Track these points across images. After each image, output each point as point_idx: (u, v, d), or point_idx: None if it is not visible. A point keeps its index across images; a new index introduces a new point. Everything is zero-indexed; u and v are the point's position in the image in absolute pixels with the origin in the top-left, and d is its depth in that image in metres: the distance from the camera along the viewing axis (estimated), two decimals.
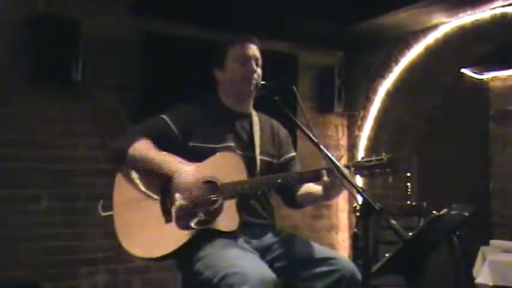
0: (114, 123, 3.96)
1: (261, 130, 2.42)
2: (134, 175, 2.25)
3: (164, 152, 2.20)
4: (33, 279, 3.65)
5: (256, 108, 2.48)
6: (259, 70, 2.36)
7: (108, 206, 2.25)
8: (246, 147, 2.33)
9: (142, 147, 2.21)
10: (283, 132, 2.53)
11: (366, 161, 2.15)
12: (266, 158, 2.36)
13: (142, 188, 2.22)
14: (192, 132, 2.28)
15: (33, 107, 3.74)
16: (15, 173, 3.67)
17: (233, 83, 2.36)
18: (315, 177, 2.19)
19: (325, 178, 2.11)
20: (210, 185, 2.17)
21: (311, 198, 2.36)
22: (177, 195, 2.10)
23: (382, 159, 2.13)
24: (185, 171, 2.11)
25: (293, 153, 2.51)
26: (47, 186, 3.77)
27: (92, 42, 3.82)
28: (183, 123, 2.29)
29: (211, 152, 2.23)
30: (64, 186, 3.84)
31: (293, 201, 2.44)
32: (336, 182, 2.11)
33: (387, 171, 2.13)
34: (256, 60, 2.36)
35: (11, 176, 3.65)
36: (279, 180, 2.19)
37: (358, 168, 2.15)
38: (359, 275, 2.06)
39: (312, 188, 2.34)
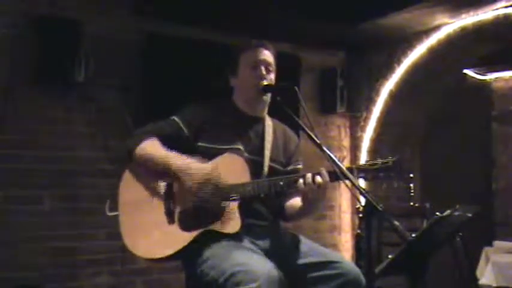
0: (116, 124, 3.96)
1: (275, 136, 2.41)
2: (139, 176, 2.26)
3: (172, 151, 2.20)
4: (36, 280, 3.65)
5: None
6: (270, 75, 2.35)
7: (114, 207, 2.26)
8: (255, 152, 2.32)
9: (150, 146, 2.22)
10: (294, 141, 2.51)
11: (370, 164, 2.12)
12: (275, 165, 2.34)
13: (147, 189, 2.23)
14: (202, 133, 2.29)
15: (35, 108, 3.75)
16: (18, 173, 3.67)
17: (244, 89, 2.37)
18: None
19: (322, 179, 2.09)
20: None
21: (296, 209, 2.33)
22: (187, 186, 2.10)
23: (387, 163, 2.10)
24: (196, 166, 2.12)
25: (300, 166, 2.48)
26: (49, 187, 3.77)
27: (94, 43, 3.82)
28: (194, 124, 2.29)
29: (218, 154, 2.23)
30: (66, 187, 3.85)
31: (281, 212, 2.41)
32: (315, 191, 2.09)
33: (392, 175, 2.10)
34: (267, 65, 2.35)
35: (14, 176, 3.65)
36: (281, 183, 2.17)
37: (362, 171, 2.13)
38: (363, 280, 2.05)
39: (297, 201, 2.32)
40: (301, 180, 2.10)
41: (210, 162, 2.20)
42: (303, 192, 2.13)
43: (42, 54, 3.62)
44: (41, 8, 3.74)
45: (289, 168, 2.42)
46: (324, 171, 2.08)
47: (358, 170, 2.12)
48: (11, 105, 3.65)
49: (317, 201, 2.17)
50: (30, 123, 3.74)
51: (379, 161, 2.12)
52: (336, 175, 2.03)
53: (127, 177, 2.29)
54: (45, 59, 3.62)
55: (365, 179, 2.16)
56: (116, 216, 2.25)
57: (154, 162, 2.19)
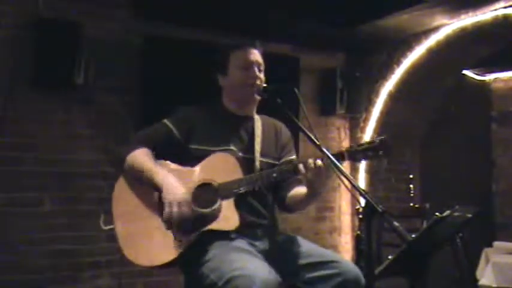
0: (116, 125, 3.97)
1: (264, 133, 2.42)
2: (132, 186, 2.27)
3: (157, 164, 2.22)
4: (36, 283, 3.65)
5: (259, 111, 2.49)
6: (261, 75, 2.38)
7: (110, 219, 2.26)
8: (247, 150, 2.34)
9: (138, 157, 2.24)
10: (285, 134, 2.53)
11: (358, 145, 2.14)
12: (268, 160, 2.36)
13: (141, 197, 2.23)
14: (194, 135, 2.31)
15: (35, 110, 3.75)
16: (18, 176, 3.67)
17: (236, 89, 2.38)
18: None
19: (318, 164, 2.10)
20: (207, 186, 2.18)
21: (300, 198, 2.33)
22: (166, 210, 2.11)
23: (373, 142, 2.12)
24: (173, 187, 2.12)
25: (293, 156, 2.50)
26: (49, 189, 3.78)
27: (94, 45, 3.82)
28: (185, 126, 2.32)
29: (210, 155, 2.25)
30: (67, 189, 3.85)
31: (283, 203, 2.42)
32: (321, 171, 2.10)
33: (380, 153, 2.11)
34: (259, 65, 2.38)
35: (14, 179, 3.65)
36: (274, 175, 2.18)
37: (351, 153, 2.13)
38: (362, 279, 2.06)
39: (301, 189, 2.34)
40: (301, 165, 2.12)
41: (201, 163, 2.22)
42: (305, 177, 2.15)
43: (42, 56, 3.62)
44: (41, 10, 3.74)
45: (282, 160, 2.44)
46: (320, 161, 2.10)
47: (348, 153, 2.13)
48: (11, 107, 3.65)
49: (321, 185, 2.18)
50: (30, 125, 3.74)
51: (366, 141, 2.14)
52: (343, 155, 2.08)
53: (119, 188, 2.30)
54: (45, 61, 3.63)
55: (355, 160, 2.18)
56: (114, 228, 2.25)
57: (141, 174, 2.21)
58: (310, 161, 2.11)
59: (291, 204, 2.40)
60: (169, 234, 2.14)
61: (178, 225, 2.11)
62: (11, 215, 3.63)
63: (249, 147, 2.35)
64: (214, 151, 2.25)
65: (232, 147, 2.30)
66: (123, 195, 2.27)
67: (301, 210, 2.44)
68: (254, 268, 1.90)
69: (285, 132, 2.54)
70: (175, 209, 2.08)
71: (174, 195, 2.10)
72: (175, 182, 2.14)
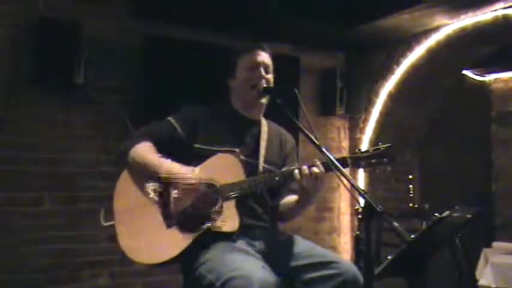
0: (115, 125, 3.97)
1: (269, 139, 2.42)
2: (133, 182, 2.26)
3: (161, 157, 2.21)
4: (36, 283, 3.65)
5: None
6: (269, 76, 2.38)
7: (110, 216, 2.25)
8: (250, 154, 2.34)
9: (142, 150, 2.23)
10: (290, 143, 2.54)
11: (363, 152, 2.15)
12: (269, 167, 2.36)
13: (142, 195, 2.22)
14: (198, 134, 2.30)
15: (34, 111, 3.75)
16: (17, 175, 3.67)
17: (240, 90, 2.39)
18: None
19: (320, 169, 2.11)
20: (209, 186, 2.18)
21: (291, 205, 2.34)
22: (178, 196, 2.11)
23: (379, 150, 2.13)
24: (186, 171, 2.13)
25: (295, 167, 2.50)
26: (49, 189, 3.78)
27: (94, 45, 3.82)
28: (189, 124, 2.31)
29: (213, 156, 2.24)
30: (66, 189, 3.85)
31: (276, 211, 2.42)
32: (313, 181, 2.12)
33: (384, 161, 2.12)
34: (266, 67, 2.38)
35: (13, 178, 3.65)
36: (277, 178, 2.19)
37: (356, 160, 2.15)
38: (361, 279, 2.05)
39: (293, 197, 2.35)
40: (296, 171, 2.13)
41: (203, 163, 2.21)
42: (300, 183, 2.15)
43: (42, 56, 3.63)
44: (41, 10, 3.73)
45: (284, 169, 2.43)
46: (319, 163, 2.11)
47: (352, 159, 2.13)
48: (11, 107, 3.65)
49: (314, 192, 2.19)
50: (30, 125, 3.74)
51: (371, 148, 2.15)
52: (330, 166, 2.05)
53: (121, 185, 2.29)
54: (45, 61, 3.62)
55: (359, 167, 2.20)
56: (114, 224, 2.24)
57: (145, 166, 2.20)
58: (305, 167, 2.12)
59: (283, 212, 2.41)
60: (170, 233, 2.14)
61: (201, 206, 2.12)
62: (11, 215, 3.63)
63: (253, 152, 2.35)
64: (217, 151, 2.25)
65: (235, 149, 2.30)
66: (125, 192, 2.26)
67: (295, 217, 2.43)
68: (252, 268, 1.90)
69: (290, 140, 2.55)
70: (194, 194, 2.10)
71: (189, 179, 2.11)
72: (182, 169, 2.14)
